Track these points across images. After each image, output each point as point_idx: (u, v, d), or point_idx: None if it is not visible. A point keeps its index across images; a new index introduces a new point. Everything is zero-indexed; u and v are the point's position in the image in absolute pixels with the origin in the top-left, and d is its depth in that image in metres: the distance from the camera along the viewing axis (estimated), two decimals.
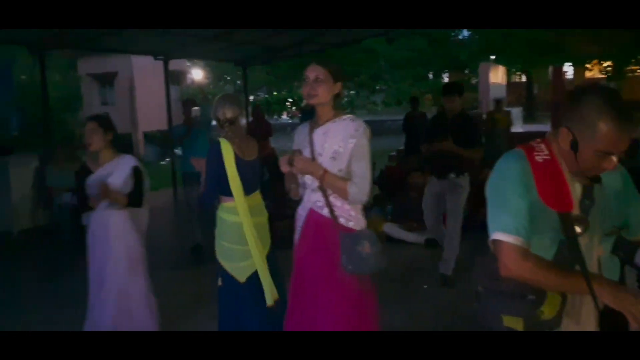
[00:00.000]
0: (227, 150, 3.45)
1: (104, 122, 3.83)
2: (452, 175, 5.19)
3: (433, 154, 5.29)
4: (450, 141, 5.08)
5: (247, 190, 3.49)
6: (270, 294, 3.44)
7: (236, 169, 3.43)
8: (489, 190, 1.86)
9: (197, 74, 23.22)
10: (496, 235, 1.77)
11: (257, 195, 3.63)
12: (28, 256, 7.59)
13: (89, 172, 3.83)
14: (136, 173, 3.86)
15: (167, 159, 14.90)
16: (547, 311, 1.75)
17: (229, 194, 3.46)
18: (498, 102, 13.37)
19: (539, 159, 1.80)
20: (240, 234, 3.45)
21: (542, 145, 1.84)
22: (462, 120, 5.23)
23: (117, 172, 3.81)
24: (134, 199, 3.85)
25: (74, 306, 4.21)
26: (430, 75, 21.68)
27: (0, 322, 4.80)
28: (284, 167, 2.81)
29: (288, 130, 18.55)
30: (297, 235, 2.93)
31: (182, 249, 7.05)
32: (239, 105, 3.59)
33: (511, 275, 1.75)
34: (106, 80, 22.54)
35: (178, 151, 7.59)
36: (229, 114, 3.53)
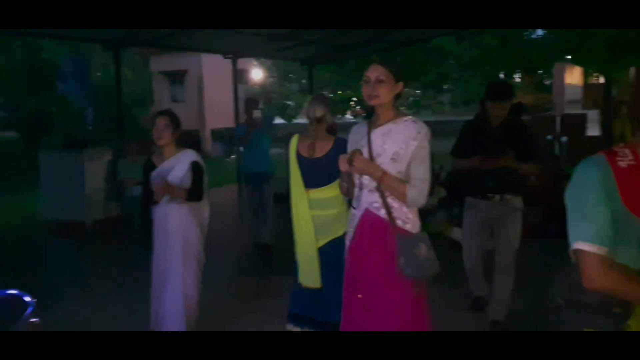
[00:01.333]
0: (292, 147, 3.59)
1: (175, 118, 3.91)
2: (509, 196, 4.17)
3: (477, 169, 4.18)
4: (512, 156, 4.04)
5: (312, 184, 3.55)
6: (307, 278, 3.58)
7: (297, 165, 3.54)
8: (568, 198, 1.75)
9: (263, 72, 23.53)
10: (578, 245, 1.66)
11: (325, 190, 3.61)
12: (100, 245, 7.91)
13: (153, 166, 3.91)
14: (195, 168, 3.89)
15: (233, 156, 15.15)
16: (635, 325, 1.65)
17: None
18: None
19: (622, 164, 1.68)
20: None
21: (626, 150, 1.72)
22: (516, 129, 4.26)
23: (178, 166, 3.86)
24: (193, 193, 3.87)
25: (139, 295, 4.30)
26: (502, 75, 21.00)
27: (70, 309, 5.01)
28: (343, 166, 2.78)
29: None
30: (350, 234, 2.90)
31: (243, 245, 7.11)
32: (327, 105, 3.65)
33: (595, 287, 1.64)
34: (176, 77, 23.20)
35: (242, 149, 7.68)
36: (317, 112, 3.56)
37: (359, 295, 2.80)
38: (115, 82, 9.54)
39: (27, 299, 2.19)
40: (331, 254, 3.46)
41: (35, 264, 6.92)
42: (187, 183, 3.86)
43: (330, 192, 3.56)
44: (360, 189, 2.84)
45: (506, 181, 4.10)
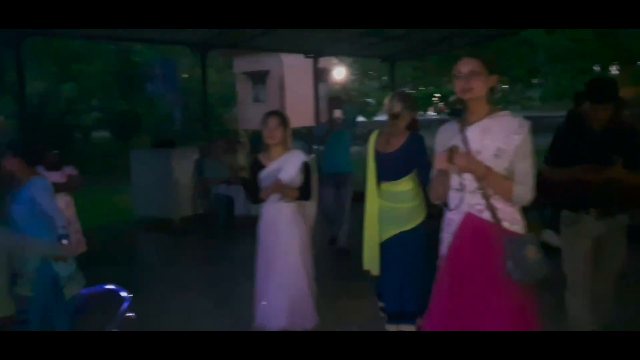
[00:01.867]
0: (371, 141, 3.88)
1: (285, 119, 4.00)
2: (616, 212, 3.58)
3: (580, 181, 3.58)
4: (619, 165, 3.44)
5: (386, 178, 3.82)
6: (367, 263, 3.91)
7: (373, 159, 3.82)
8: None
9: (344, 70, 23.49)
10: None
11: (398, 183, 3.79)
12: (187, 241, 8.12)
13: (261, 165, 3.98)
14: (306, 168, 3.98)
15: (313, 155, 15.19)
16: None
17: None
18: None
19: None
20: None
21: None
22: (623, 133, 3.64)
23: (288, 166, 3.92)
24: (304, 192, 3.97)
25: (222, 291, 4.31)
26: (597, 68, 19.72)
27: (159, 304, 5.14)
28: (442, 164, 2.60)
29: (434, 126, 18.01)
30: (447, 240, 2.71)
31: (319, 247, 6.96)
32: (406, 101, 3.83)
33: None
34: (259, 78, 23.61)
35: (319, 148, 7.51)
36: (395, 108, 3.77)
37: (459, 301, 2.63)
38: (202, 84, 9.78)
39: (124, 294, 2.22)
40: (401, 245, 3.74)
41: (127, 259, 7.19)
42: (297, 182, 3.93)
43: (403, 185, 3.75)
44: (459, 190, 2.66)
45: (614, 194, 3.50)
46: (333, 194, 6.76)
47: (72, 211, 5.54)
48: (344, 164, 6.72)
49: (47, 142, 5.63)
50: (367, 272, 3.98)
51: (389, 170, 3.79)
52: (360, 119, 23.15)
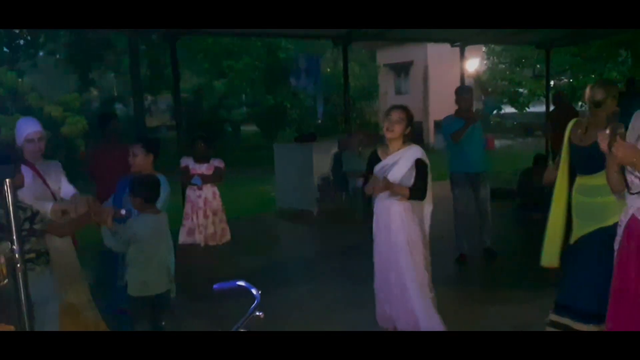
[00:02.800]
0: (567, 131, 3.62)
1: (409, 114, 3.84)
2: None
3: None
4: None
5: (581, 170, 3.56)
6: (546, 258, 3.75)
7: (567, 150, 3.60)
8: None
9: (492, 59, 22.26)
10: None
11: (595, 177, 3.45)
12: (326, 233, 8.15)
13: (378, 159, 3.86)
14: (419, 165, 3.76)
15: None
16: None
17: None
18: None
19: None
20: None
21: None
22: None
23: (402, 162, 3.76)
24: (416, 192, 3.76)
25: (357, 286, 4.22)
26: None
27: (294, 296, 5.13)
28: (603, 146, 2.40)
29: None
30: (617, 239, 2.71)
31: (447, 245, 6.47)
32: (609, 90, 3.52)
33: None
34: (402, 69, 23.29)
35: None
36: (596, 96, 3.45)
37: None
38: (343, 77, 9.74)
39: (254, 291, 2.14)
40: (595, 243, 3.40)
41: (267, 249, 7.35)
42: (410, 180, 3.75)
43: (601, 180, 3.28)
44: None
45: None
46: (467, 195, 6.11)
47: (218, 202, 5.73)
48: (479, 162, 6.05)
49: (200, 135, 5.83)
50: (550, 272, 3.79)
51: (586, 163, 3.50)
52: (511, 110, 21.79)
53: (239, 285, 2.18)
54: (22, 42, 15.20)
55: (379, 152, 3.89)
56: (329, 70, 19.00)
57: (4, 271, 1.81)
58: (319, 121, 16.68)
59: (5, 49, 15.38)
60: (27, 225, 2.98)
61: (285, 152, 9.65)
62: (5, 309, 1.95)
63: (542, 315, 3.78)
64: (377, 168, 3.80)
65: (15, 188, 3.11)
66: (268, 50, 17.41)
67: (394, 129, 3.75)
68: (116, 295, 3.80)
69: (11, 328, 1.90)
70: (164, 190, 3.72)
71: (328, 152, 9.00)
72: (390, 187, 3.69)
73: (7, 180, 2.19)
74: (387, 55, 22.65)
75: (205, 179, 5.61)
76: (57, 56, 17.36)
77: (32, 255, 3.05)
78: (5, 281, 1.82)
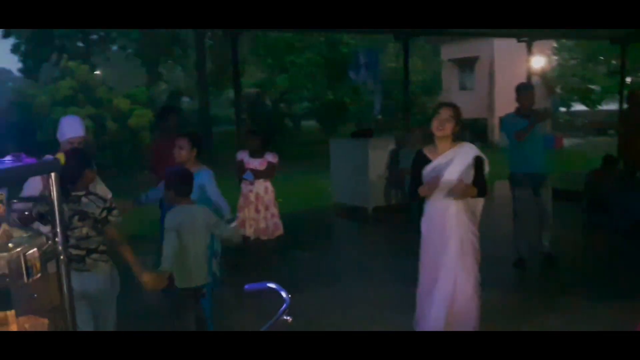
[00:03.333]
0: None
1: (458, 113, 3.71)
2: None
3: None
4: None
5: None
6: None
7: None
8: None
9: (563, 54, 21.33)
10: None
11: None
12: (380, 231, 8.03)
13: (425, 159, 3.72)
14: (479, 163, 3.66)
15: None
16: None
17: None
18: None
19: None
20: None
21: None
22: None
23: (457, 160, 3.64)
24: (481, 190, 3.67)
25: (408, 286, 4.13)
26: None
27: (342, 292, 5.08)
28: None
29: None
30: None
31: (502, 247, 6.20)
32: None
33: None
34: (467, 64, 22.72)
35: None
36: None
37: None
38: (403, 72, 9.59)
39: (284, 294, 2.11)
40: None
41: (319, 245, 7.33)
42: (468, 178, 3.62)
43: None
44: None
45: None
46: (527, 196, 5.80)
47: (270, 197, 5.75)
48: (540, 162, 5.75)
49: (254, 130, 5.89)
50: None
51: None
52: (582, 107, 20.82)
53: (269, 287, 2.15)
54: (95, 37, 15.89)
55: (426, 152, 3.75)
56: (392, 65, 18.77)
57: (38, 265, 1.87)
58: (379, 117, 16.51)
59: (80, 44, 16.15)
60: (104, 214, 3.12)
61: (341, 148, 9.59)
62: (38, 302, 2.01)
63: (599, 328, 3.57)
64: (428, 168, 3.67)
65: (87, 182, 3.27)
66: (330, 45, 17.38)
67: (444, 127, 3.62)
68: None
69: (45, 321, 1.95)
70: (208, 183, 3.79)
71: (385, 148, 8.87)
72: (464, 190, 3.57)
73: (53, 173, 2.28)
74: (452, 50, 22.15)
75: (258, 174, 5.65)
76: (129, 51, 18.05)
77: (104, 247, 3.19)
78: (39, 275, 1.88)
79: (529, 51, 10.94)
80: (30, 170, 2.19)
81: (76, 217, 3.06)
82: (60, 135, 3.73)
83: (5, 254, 1.71)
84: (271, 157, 5.77)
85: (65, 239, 2.26)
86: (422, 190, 3.68)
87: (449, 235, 3.65)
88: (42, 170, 2.20)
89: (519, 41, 10.88)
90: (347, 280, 5.64)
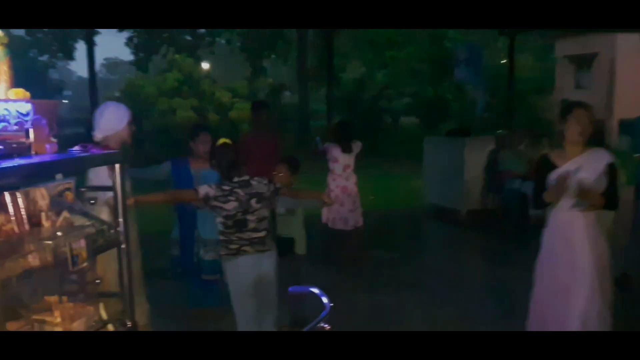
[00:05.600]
0: None
1: (592, 114, 3.44)
2: None
3: None
4: None
5: None
6: None
7: None
8: None
9: None
10: None
11: None
12: (471, 236, 7.66)
13: (551, 165, 3.47)
14: (612, 171, 3.40)
15: None
16: None
17: None
18: None
19: None
20: None
21: None
22: None
23: (589, 167, 3.35)
24: (610, 200, 3.40)
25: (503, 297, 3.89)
26: None
27: (426, 297, 4.87)
28: None
29: None
30: None
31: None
32: None
33: None
34: (584, 62, 21.15)
35: None
36: None
37: None
38: (508, 69, 9.09)
39: (325, 300, 2.03)
40: None
41: (406, 245, 7.11)
42: (599, 188, 3.35)
43: None
44: None
45: None
46: None
47: (352, 188, 5.83)
48: None
49: (340, 122, 5.95)
50: None
51: None
52: None
53: (313, 292, 2.08)
54: (203, 30, 16.48)
55: (553, 157, 3.49)
56: (503, 61, 17.91)
57: (84, 254, 1.91)
58: (485, 115, 15.82)
59: (187, 37, 16.87)
60: (271, 190, 3.46)
61: (436, 146, 9.26)
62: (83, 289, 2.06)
63: None
64: (554, 175, 3.41)
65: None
66: (433, 40, 16.90)
67: (576, 131, 3.35)
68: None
69: (90, 309, 2.00)
70: None
71: (483, 148, 8.44)
72: (586, 194, 3.31)
73: (117, 164, 2.34)
74: (568, 46, 20.71)
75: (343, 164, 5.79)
76: (237, 44, 18.66)
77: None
78: (85, 264, 1.92)
79: None
80: (96, 161, 2.25)
81: (254, 200, 3.29)
82: (119, 123, 3.42)
83: (50, 242, 1.76)
84: (356, 147, 5.83)
85: (127, 227, 2.32)
86: (548, 196, 3.42)
87: (579, 251, 3.39)
88: (108, 160, 2.26)
89: None
90: (426, 286, 5.39)
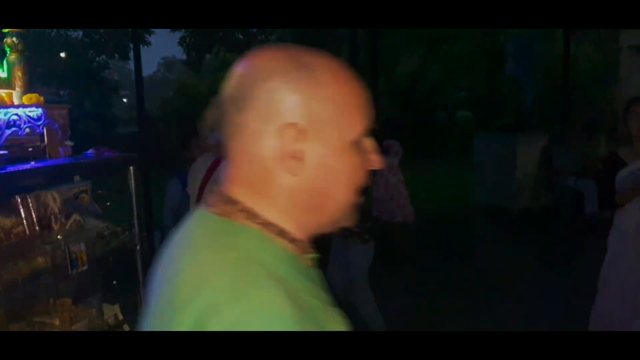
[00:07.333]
0: None
1: None
2: None
3: None
4: None
5: None
6: None
7: None
8: None
9: None
10: None
11: None
12: (522, 235, 7.38)
13: (620, 162, 3.29)
14: None
15: None
16: None
17: None
18: None
19: None
20: None
21: None
22: None
23: None
24: None
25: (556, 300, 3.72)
26: None
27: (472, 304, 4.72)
28: None
29: None
30: None
31: None
32: None
33: None
34: None
35: None
36: None
37: None
38: (563, 59, 8.70)
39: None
40: None
41: (453, 243, 6.93)
42: None
43: None
44: None
45: None
46: None
47: (398, 183, 5.80)
48: None
49: (407, 121, 6.02)
50: None
51: None
52: None
53: None
54: (254, 29, 16.58)
55: (621, 154, 3.32)
56: (560, 53, 17.16)
57: (84, 258, 1.92)
58: (531, 110, 15.22)
59: (240, 36, 16.98)
60: None
61: (487, 142, 9.00)
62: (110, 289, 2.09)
63: None
64: (624, 173, 3.24)
65: None
66: (486, 33, 16.40)
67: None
68: None
69: (117, 308, 2.02)
70: None
71: (536, 144, 8.15)
72: None
73: (131, 167, 2.35)
74: (634, 36, 19.66)
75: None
76: (288, 42, 18.66)
77: None
78: (85, 267, 1.93)
79: None
80: (110, 164, 2.27)
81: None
82: None
83: (48, 246, 1.78)
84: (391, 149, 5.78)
85: (142, 228, 2.34)
86: (620, 197, 3.24)
87: None
88: (122, 163, 2.28)
89: None
90: (475, 288, 5.22)
